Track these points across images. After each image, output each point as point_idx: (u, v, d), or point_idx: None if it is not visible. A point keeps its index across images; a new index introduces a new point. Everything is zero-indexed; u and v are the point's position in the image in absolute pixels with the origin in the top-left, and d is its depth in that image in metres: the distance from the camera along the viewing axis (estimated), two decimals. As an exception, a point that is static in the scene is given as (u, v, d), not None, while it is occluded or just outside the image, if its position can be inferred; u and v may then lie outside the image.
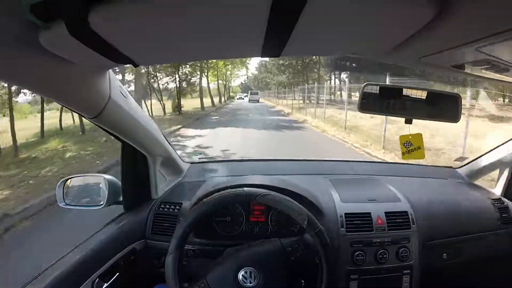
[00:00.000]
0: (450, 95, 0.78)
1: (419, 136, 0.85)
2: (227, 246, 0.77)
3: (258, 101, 27.78)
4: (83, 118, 0.69)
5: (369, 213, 0.84)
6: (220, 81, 26.78)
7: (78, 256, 0.74)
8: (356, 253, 0.79)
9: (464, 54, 0.46)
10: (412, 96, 0.75)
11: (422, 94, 0.75)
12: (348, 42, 0.48)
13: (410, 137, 0.84)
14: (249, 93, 31.27)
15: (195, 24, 0.37)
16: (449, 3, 0.32)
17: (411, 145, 0.85)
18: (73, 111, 0.63)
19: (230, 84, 32.85)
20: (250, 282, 0.68)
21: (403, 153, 0.86)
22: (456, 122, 0.78)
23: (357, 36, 0.44)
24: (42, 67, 0.46)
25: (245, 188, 0.70)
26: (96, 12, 0.33)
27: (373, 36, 0.44)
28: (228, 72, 26.73)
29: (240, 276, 0.68)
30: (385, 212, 0.84)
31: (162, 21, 0.35)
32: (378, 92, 0.72)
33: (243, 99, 29.78)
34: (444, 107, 0.77)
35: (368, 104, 0.72)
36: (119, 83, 0.66)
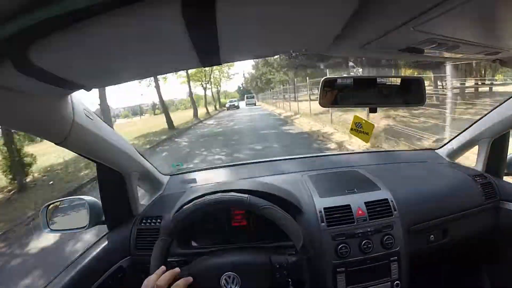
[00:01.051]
0: (413, 79, 0.79)
1: (371, 126, 0.90)
2: (207, 254, 0.77)
3: (254, 104, 27.85)
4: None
5: (349, 205, 0.84)
6: (208, 86, 24.46)
7: (64, 281, 0.74)
8: (340, 246, 0.79)
9: (404, 35, 0.45)
10: (373, 84, 0.76)
11: (388, 82, 0.76)
12: (285, 39, 0.47)
13: (363, 121, 0.88)
14: (245, 97, 30.68)
15: (127, 46, 0.37)
16: None
17: (361, 128, 0.90)
18: (38, 136, 0.63)
19: (219, 88, 28.65)
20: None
21: (351, 129, 0.92)
22: (422, 105, 0.79)
23: (292, 32, 0.43)
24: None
25: (250, 197, 0.69)
26: (34, 47, 0.33)
27: (308, 30, 0.43)
28: (216, 73, 23.70)
29: (222, 279, 0.69)
30: (365, 202, 0.85)
31: (97, 48, 0.36)
32: (337, 85, 0.73)
33: (236, 107, 24.97)
34: (408, 92, 0.77)
35: (328, 99, 0.73)
36: (84, 106, 0.66)
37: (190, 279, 0.64)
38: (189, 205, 0.71)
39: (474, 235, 0.99)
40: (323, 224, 0.82)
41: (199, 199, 0.71)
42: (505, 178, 1.09)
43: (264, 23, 0.37)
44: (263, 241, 0.81)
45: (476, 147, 1.11)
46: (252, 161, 1.29)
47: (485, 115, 1.07)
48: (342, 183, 0.95)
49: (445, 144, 1.22)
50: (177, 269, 0.65)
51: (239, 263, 0.70)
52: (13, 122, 0.54)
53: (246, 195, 0.68)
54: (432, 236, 0.91)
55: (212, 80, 24.55)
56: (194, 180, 1.11)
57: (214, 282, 0.69)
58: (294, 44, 0.51)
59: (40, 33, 0.32)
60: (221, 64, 0.52)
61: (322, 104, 0.73)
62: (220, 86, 28.00)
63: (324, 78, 0.72)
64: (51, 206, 0.94)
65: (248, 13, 0.33)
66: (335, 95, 0.73)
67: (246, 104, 28.07)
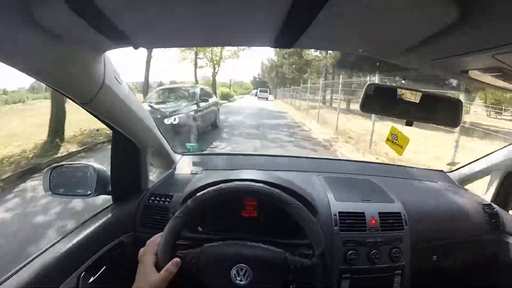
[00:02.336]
0: (451, 100, 0.78)
1: (407, 139, 0.91)
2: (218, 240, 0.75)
3: (266, 99, 25.91)
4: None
5: (363, 213, 0.84)
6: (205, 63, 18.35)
7: (64, 248, 0.71)
8: (349, 252, 0.79)
9: (478, 60, 0.45)
10: (412, 99, 0.75)
11: (424, 97, 0.75)
12: (364, 40, 0.46)
13: (399, 134, 0.89)
14: (258, 90, 29.24)
15: (208, 5, 0.35)
16: (470, 9, 0.31)
17: (397, 140, 0.91)
18: (64, 95, 0.59)
19: (216, 69, 19.27)
20: (241, 280, 0.67)
21: (387, 139, 0.93)
22: (455, 127, 0.78)
23: (374, 34, 0.43)
24: (34, 45, 0.43)
25: (280, 192, 0.67)
26: None
27: (389, 36, 0.43)
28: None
29: (233, 271, 0.67)
30: (379, 213, 0.85)
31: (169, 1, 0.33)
32: (380, 92, 0.71)
33: (264, 98, 23.94)
34: (445, 112, 0.76)
35: (369, 104, 0.71)
36: (115, 68, 0.63)
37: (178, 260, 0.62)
38: (214, 187, 0.68)
39: (475, 262, 1.00)
40: (336, 228, 0.81)
41: (227, 184, 0.69)
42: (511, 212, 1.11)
43: (363, 22, 0.37)
44: (276, 236, 0.80)
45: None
46: (267, 153, 1.27)
47: (504, 147, 1.08)
48: (358, 190, 0.94)
49: (457, 169, 1.23)
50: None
51: (253, 256, 0.68)
52: (45, 72, 0.50)
53: (276, 190, 0.66)
54: (435, 256, 0.92)
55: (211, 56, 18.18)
56: (206, 164, 1.07)
57: (224, 272, 0.67)
58: (369, 46, 0.49)
59: None
60: (291, 48, 0.50)
61: (362, 109, 0.72)
62: (219, 65, 19.47)
63: (368, 83, 0.70)
64: (56, 168, 0.90)
65: (358, 7, 0.32)
66: (377, 102, 0.71)
67: (258, 98, 25.96)
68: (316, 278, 0.66)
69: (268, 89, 30.44)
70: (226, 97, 22.50)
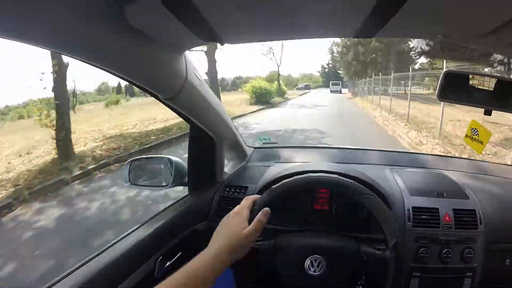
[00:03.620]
0: None
1: (488, 133, 0.85)
2: (291, 232, 0.77)
3: (340, 92, 25.85)
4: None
5: (437, 209, 0.81)
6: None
7: (143, 235, 0.76)
8: (421, 250, 0.76)
9: None
10: (490, 86, 0.72)
11: (501, 84, 0.72)
12: (445, 25, 0.46)
13: (480, 127, 0.83)
14: (330, 84, 28.82)
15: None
16: None
17: (477, 135, 0.85)
18: (149, 91, 0.64)
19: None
20: (315, 271, 0.69)
21: (466, 135, 0.87)
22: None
23: (455, 19, 0.42)
24: (122, 43, 0.44)
25: (354, 183, 0.68)
26: None
27: (469, 20, 0.42)
28: None
29: (308, 261, 0.69)
30: (453, 209, 0.81)
31: None
32: (457, 80, 0.71)
33: (338, 91, 25.19)
34: None
35: (447, 92, 0.71)
36: (193, 65, 0.68)
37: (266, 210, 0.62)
38: (289, 179, 0.71)
39: None
40: (409, 223, 0.79)
41: (301, 175, 0.71)
42: None
43: (443, 6, 0.37)
44: (348, 229, 0.80)
45: None
46: (337, 146, 1.27)
47: None
48: (432, 185, 0.91)
49: None
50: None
51: (327, 247, 0.70)
52: (132, 70, 0.54)
53: (350, 181, 0.67)
54: (508, 260, 0.85)
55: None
56: (278, 157, 1.11)
57: (299, 263, 0.69)
58: (448, 30, 0.48)
59: None
60: (373, 37, 0.51)
61: (439, 97, 0.72)
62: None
63: (446, 70, 0.70)
64: (135, 161, 1.00)
65: None
66: (455, 90, 0.71)
67: (331, 91, 25.60)
68: (388, 271, 0.66)
69: (340, 82, 29.06)
70: (263, 97, 13.72)
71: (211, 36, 0.48)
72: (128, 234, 0.78)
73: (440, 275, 0.77)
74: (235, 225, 0.57)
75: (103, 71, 0.51)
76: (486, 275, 0.80)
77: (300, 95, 26.28)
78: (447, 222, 0.79)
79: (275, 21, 0.45)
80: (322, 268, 0.68)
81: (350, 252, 0.69)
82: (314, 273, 0.68)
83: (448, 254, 0.76)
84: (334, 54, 28.14)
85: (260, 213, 0.59)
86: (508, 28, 0.41)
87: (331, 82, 30.10)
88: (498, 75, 0.72)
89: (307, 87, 39.57)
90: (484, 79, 0.71)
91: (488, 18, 0.40)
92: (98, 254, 0.68)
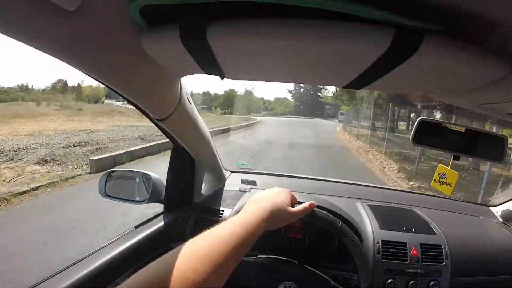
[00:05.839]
0: (497, 136, 0.80)
1: (455, 175, 0.90)
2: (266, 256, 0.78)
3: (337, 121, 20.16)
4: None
5: (405, 243, 0.85)
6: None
7: (117, 250, 0.75)
8: (389, 281, 0.80)
9: None
10: (459, 135, 0.77)
11: (470, 133, 0.77)
12: (428, 84, 0.49)
13: (447, 171, 0.88)
14: (338, 114, 22.00)
15: (300, 50, 0.38)
16: None
17: (445, 178, 0.90)
18: (142, 110, 0.64)
19: None
20: None
21: (434, 180, 0.92)
22: (500, 162, 0.80)
23: (437, 81, 0.45)
24: (127, 62, 0.46)
25: (342, 224, 0.68)
26: (214, 25, 0.34)
27: (445, 84, 0.46)
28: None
29: (282, 286, 0.71)
30: (421, 244, 0.85)
31: (268, 43, 0.36)
32: (431, 127, 0.75)
33: None
34: (491, 147, 0.78)
35: (420, 138, 0.75)
36: (187, 89, 0.69)
37: (314, 203, 0.60)
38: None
39: None
40: (378, 255, 0.83)
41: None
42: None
43: (430, 70, 0.40)
44: (319, 258, 0.82)
45: None
46: (311, 177, 1.29)
47: None
48: (401, 220, 0.96)
49: (501, 203, 1.20)
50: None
51: (302, 277, 0.72)
52: (133, 90, 0.55)
53: (338, 220, 0.68)
54: None
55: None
56: (254, 182, 1.12)
57: (272, 286, 0.71)
58: (427, 88, 0.52)
59: (225, 13, 0.33)
60: (360, 89, 0.53)
61: (413, 141, 0.75)
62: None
63: (420, 118, 0.74)
64: (113, 173, 0.98)
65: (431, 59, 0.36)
66: (427, 136, 0.75)
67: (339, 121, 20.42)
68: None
69: (344, 112, 21.53)
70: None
71: (215, 71, 0.50)
72: (100, 249, 0.75)
73: None
74: (282, 198, 0.54)
75: (100, 83, 0.51)
76: None
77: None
78: (414, 255, 0.83)
79: (278, 66, 0.47)
80: None
81: (323, 285, 0.72)
82: None
83: (415, 286, 0.80)
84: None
85: (308, 202, 0.58)
86: (479, 92, 0.45)
87: (340, 112, 24.68)
88: (467, 125, 0.77)
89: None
90: (455, 128, 0.76)
91: (460, 84, 0.43)
92: (67, 268, 0.66)
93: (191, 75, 0.59)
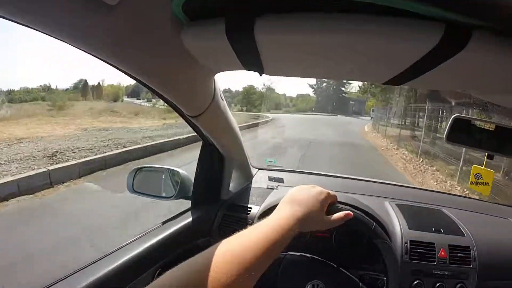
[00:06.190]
0: None
1: (491, 173, 0.89)
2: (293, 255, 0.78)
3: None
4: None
5: (434, 244, 0.83)
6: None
7: (144, 245, 0.76)
8: (415, 282, 0.79)
9: None
10: (494, 133, 0.76)
11: (505, 131, 0.76)
12: (470, 81, 0.49)
13: (483, 170, 0.86)
14: (371, 111, 17.55)
15: (341, 46, 0.38)
16: None
17: (481, 179, 0.89)
18: (176, 107, 0.65)
19: None
20: None
21: (471, 182, 0.92)
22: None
23: (480, 76, 0.44)
24: (165, 57, 0.45)
25: (375, 225, 0.68)
26: (262, 19, 0.34)
27: (492, 79, 0.44)
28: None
29: (310, 285, 0.70)
30: (449, 245, 0.84)
31: (315, 38, 0.36)
32: (466, 125, 0.74)
33: None
34: None
35: (455, 136, 0.74)
36: (219, 87, 0.70)
37: (351, 214, 0.57)
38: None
39: None
40: (405, 256, 0.81)
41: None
42: None
43: (474, 69, 0.39)
44: (347, 258, 0.82)
45: None
46: (339, 175, 1.29)
47: None
48: (430, 220, 0.94)
49: None
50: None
51: (331, 277, 0.71)
52: (171, 88, 0.55)
53: (372, 221, 0.67)
54: None
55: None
56: (281, 180, 1.12)
57: (300, 284, 0.71)
58: (473, 88, 0.52)
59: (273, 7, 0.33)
60: (398, 86, 0.53)
61: (447, 139, 0.75)
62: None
63: (455, 115, 0.73)
64: (141, 170, 1.00)
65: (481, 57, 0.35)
66: (462, 134, 0.74)
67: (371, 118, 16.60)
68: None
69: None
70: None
71: (255, 67, 0.49)
72: (127, 244, 0.77)
73: None
74: (318, 203, 0.53)
75: (136, 80, 0.51)
76: None
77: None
78: (442, 257, 0.82)
79: (320, 62, 0.46)
80: None
81: (351, 285, 0.71)
82: None
83: None
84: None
85: (345, 212, 0.56)
86: None
87: (372, 109, 19.87)
88: (499, 122, 0.75)
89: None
90: (489, 126, 0.74)
91: (510, 80, 0.42)
92: (93, 263, 0.67)
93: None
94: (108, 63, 0.44)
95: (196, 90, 0.60)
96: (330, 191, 0.58)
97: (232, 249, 0.39)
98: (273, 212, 0.50)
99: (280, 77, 0.61)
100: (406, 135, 9.55)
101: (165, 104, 0.67)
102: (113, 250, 0.73)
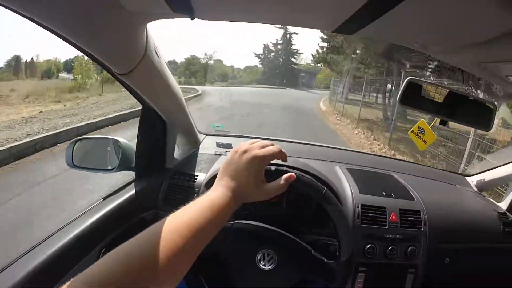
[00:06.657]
0: (486, 104, 0.77)
1: (433, 136, 0.91)
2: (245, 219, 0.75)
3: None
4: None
5: (385, 208, 0.84)
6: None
7: (86, 223, 0.71)
8: (368, 246, 0.80)
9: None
10: (448, 99, 0.74)
11: (460, 98, 0.74)
12: (423, 35, 0.46)
13: (427, 129, 0.90)
14: None
15: None
16: None
17: (423, 134, 0.92)
18: (103, 64, 0.57)
19: None
20: (265, 265, 0.68)
21: (412, 131, 0.94)
22: (487, 131, 0.77)
23: (434, 30, 0.42)
24: (88, 10, 0.41)
25: (326, 190, 0.62)
26: None
27: (446, 34, 0.42)
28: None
29: (260, 254, 0.68)
30: (400, 209, 0.85)
31: None
32: (419, 89, 0.70)
33: None
34: (479, 114, 0.75)
35: (408, 99, 0.70)
36: (154, 41, 0.62)
37: (293, 175, 0.52)
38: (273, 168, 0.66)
39: (487, 270, 1.00)
40: (357, 220, 0.82)
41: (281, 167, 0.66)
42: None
43: (427, 16, 0.38)
44: (298, 224, 0.79)
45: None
46: (289, 140, 1.26)
47: None
48: (380, 184, 0.94)
49: (477, 173, 1.22)
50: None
51: (281, 244, 0.69)
52: (91, 41, 0.48)
53: (323, 186, 0.63)
54: (447, 259, 0.93)
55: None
56: (230, 146, 1.07)
57: (251, 253, 0.69)
58: (424, 40, 0.49)
59: None
60: (351, 35, 0.49)
61: (400, 102, 0.71)
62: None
63: (409, 78, 0.69)
64: (80, 141, 0.90)
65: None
66: (415, 97, 0.70)
67: None
68: (336, 281, 0.67)
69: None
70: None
71: (183, 7, 0.44)
72: (70, 222, 0.71)
73: (385, 271, 0.81)
74: (254, 173, 0.47)
75: (54, 35, 0.45)
76: (427, 272, 0.86)
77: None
78: (394, 221, 0.83)
79: (256, 2, 0.41)
80: (273, 263, 0.68)
81: (302, 255, 0.69)
82: (264, 267, 0.68)
83: (393, 251, 0.81)
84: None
85: (288, 174, 0.51)
86: (480, 48, 0.42)
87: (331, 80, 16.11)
88: (453, 87, 0.74)
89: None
90: (444, 91, 0.71)
91: (464, 35, 0.41)
92: (36, 246, 0.62)
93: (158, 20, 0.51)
94: (30, 18, 0.39)
95: (124, 42, 0.52)
96: (272, 147, 0.52)
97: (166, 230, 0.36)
98: (210, 189, 0.46)
99: (213, 21, 0.55)
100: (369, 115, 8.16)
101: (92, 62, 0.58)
102: (55, 231, 0.68)
